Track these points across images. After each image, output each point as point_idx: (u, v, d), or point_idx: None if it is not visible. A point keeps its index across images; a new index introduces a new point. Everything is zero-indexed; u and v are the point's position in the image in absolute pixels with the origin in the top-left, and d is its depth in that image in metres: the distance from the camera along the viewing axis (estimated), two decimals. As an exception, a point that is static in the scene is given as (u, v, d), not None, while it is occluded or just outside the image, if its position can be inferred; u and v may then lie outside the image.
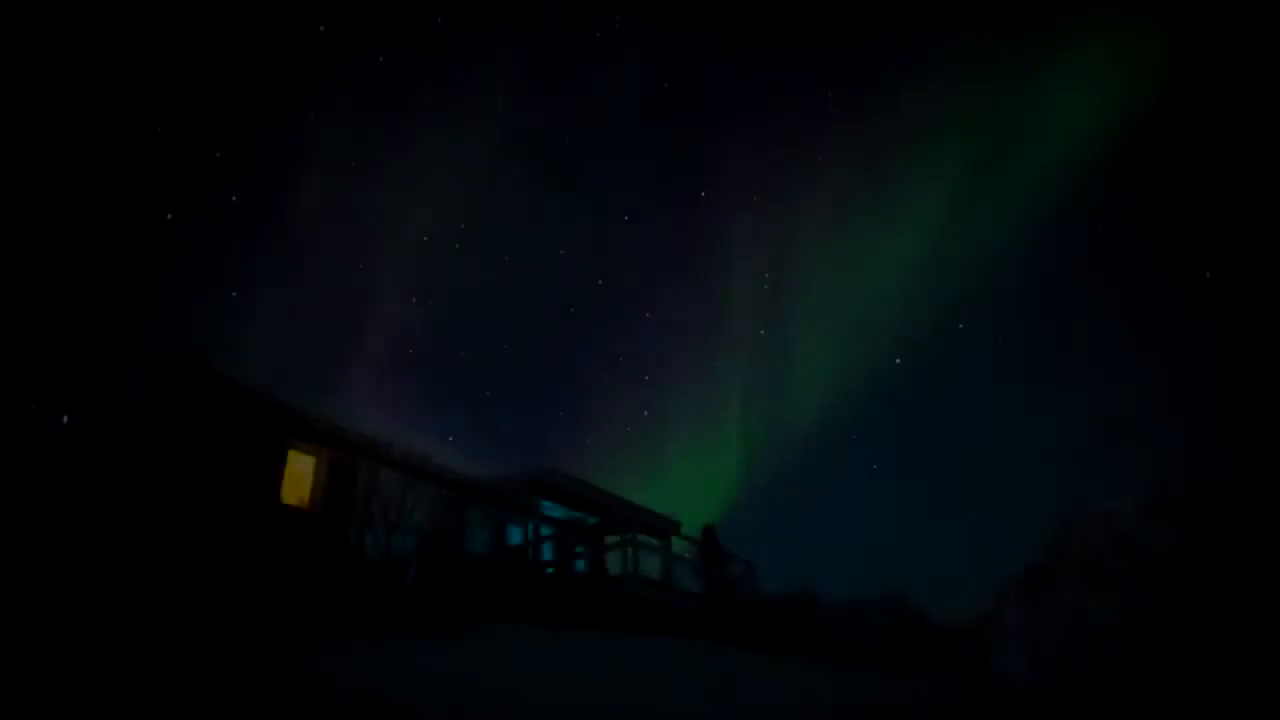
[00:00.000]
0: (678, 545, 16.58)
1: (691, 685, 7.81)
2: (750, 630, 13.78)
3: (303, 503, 12.43)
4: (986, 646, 16.19)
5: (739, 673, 8.96)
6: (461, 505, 13.61)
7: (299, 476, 12.62)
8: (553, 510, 16.22)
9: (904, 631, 12.52)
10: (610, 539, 16.25)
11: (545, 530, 15.49)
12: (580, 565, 16.39)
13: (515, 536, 15.86)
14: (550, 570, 14.55)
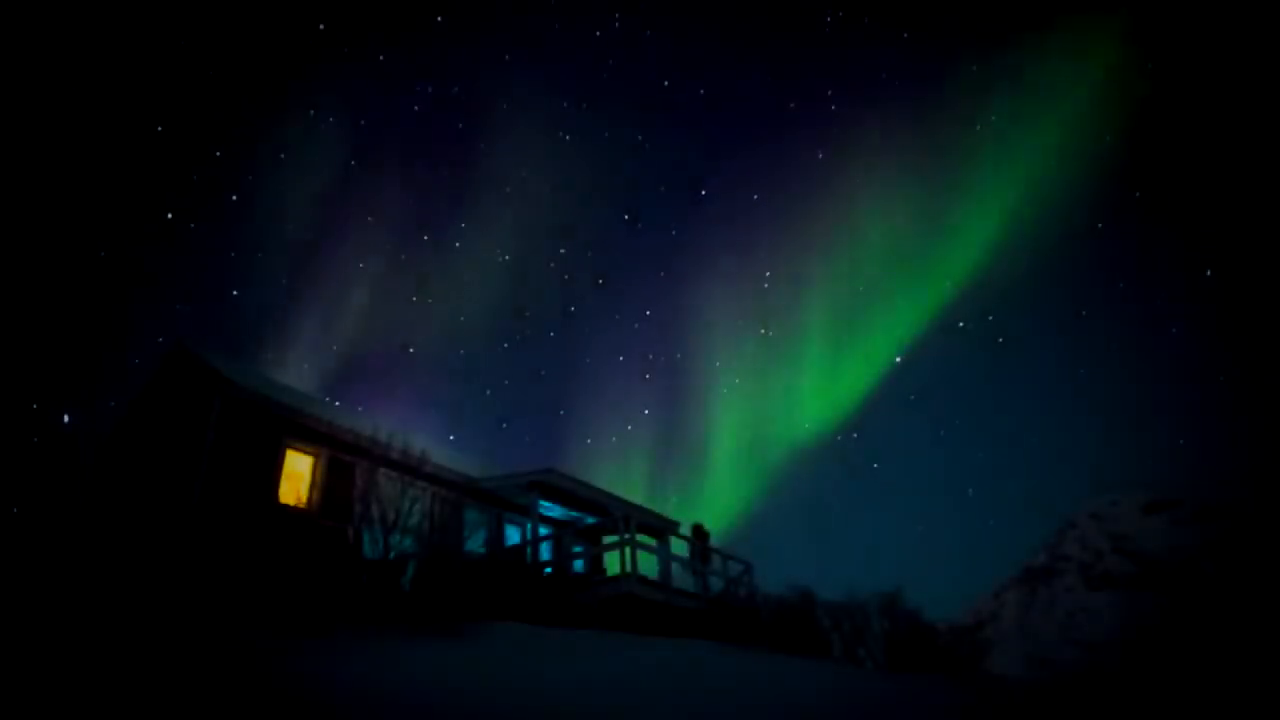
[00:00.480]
0: (676, 545, 16.59)
1: (691, 685, 7.82)
2: (749, 630, 13.78)
3: (300, 501, 12.44)
4: (984, 646, 16.20)
5: (738, 672, 8.97)
6: (459, 504, 13.63)
7: (297, 475, 12.63)
8: (551, 510, 16.23)
9: (902, 631, 12.51)
10: (608, 539, 16.26)
11: (543, 530, 15.49)
12: (578, 565, 16.40)
13: (513, 536, 15.87)
14: (548, 570, 14.56)
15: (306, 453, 12.77)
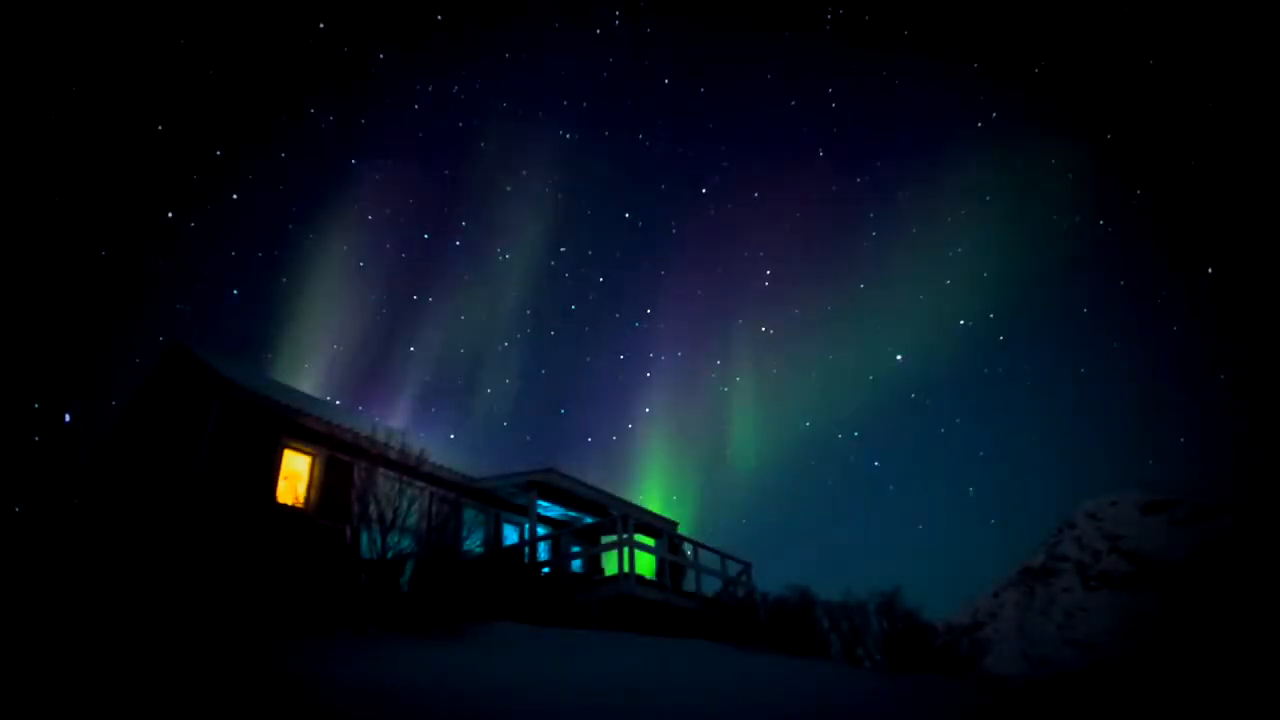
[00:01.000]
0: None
1: (690, 684, 7.82)
2: (748, 630, 13.79)
3: (298, 501, 12.44)
4: (983, 645, 16.22)
5: (737, 673, 8.97)
6: (458, 504, 13.62)
7: (295, 475, 12.63)
8: (549, 510, 16.23)
9: (900, 631, 12.52)
10: (606, 538, 16.26)
11: (542, 530, 15.49)
12: (577, 565, 16.40)
13: (511, 536, 15.87)
14: (546, 570, 14.56)
15: (304, 452, 12.76)
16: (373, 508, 10.54)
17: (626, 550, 13.41)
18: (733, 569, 16.25)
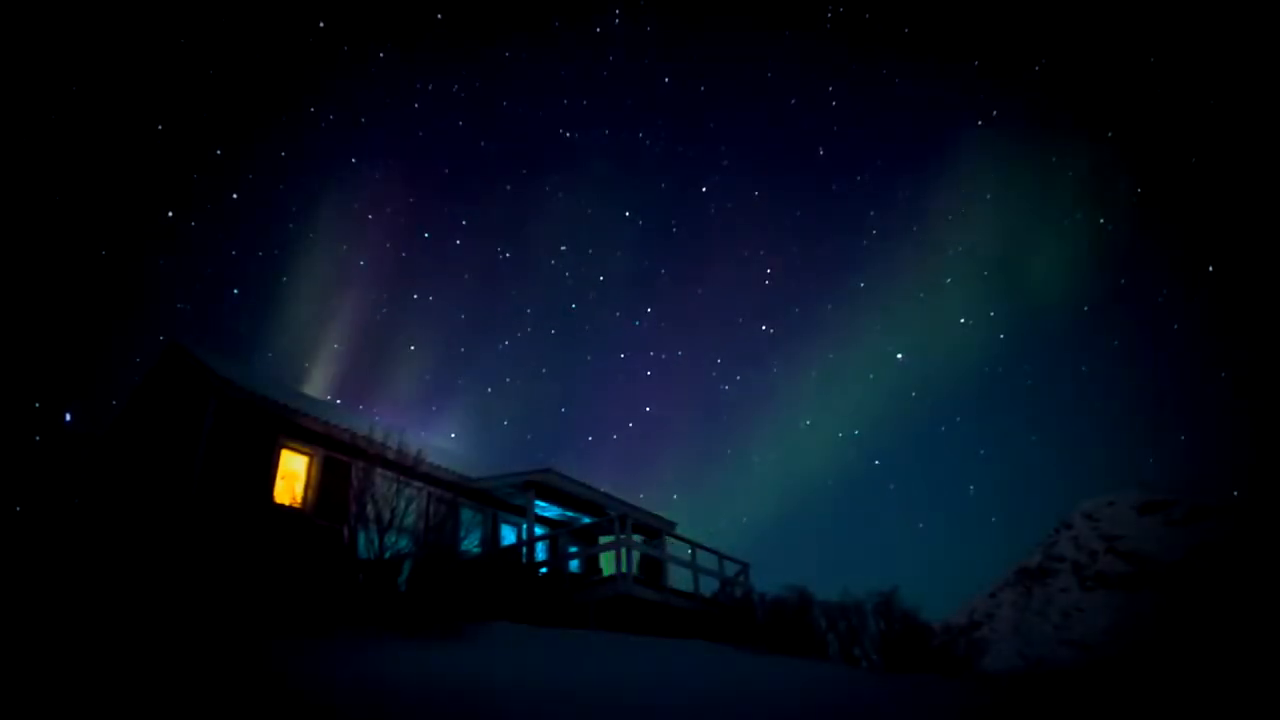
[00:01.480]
0: (675, 546, 16.59)
1: (687, 685, 7.83)
2: (746, 630, 13.79)
3: (296, 501, 12.43)
4: (980, 645, 16.24)
5: (734, 672, 8.98)
6: (455, 504, 13.62)
7: (292, 475, 12.62)
8: (547, 510, 16.22)
9: (898, 631, 12.54)
10: (604, 539, 16.26)
11: (539, 530, 15.49)
12: (574, 565, 16.39)
13: (510, 536, 15.86)
14: (544, 570, 14.55)
15: (302, 452, 12.75)
16: (370, 508, 10.53)
17: (624, 550, 13.41)
18: (730, 569, 16.26)
